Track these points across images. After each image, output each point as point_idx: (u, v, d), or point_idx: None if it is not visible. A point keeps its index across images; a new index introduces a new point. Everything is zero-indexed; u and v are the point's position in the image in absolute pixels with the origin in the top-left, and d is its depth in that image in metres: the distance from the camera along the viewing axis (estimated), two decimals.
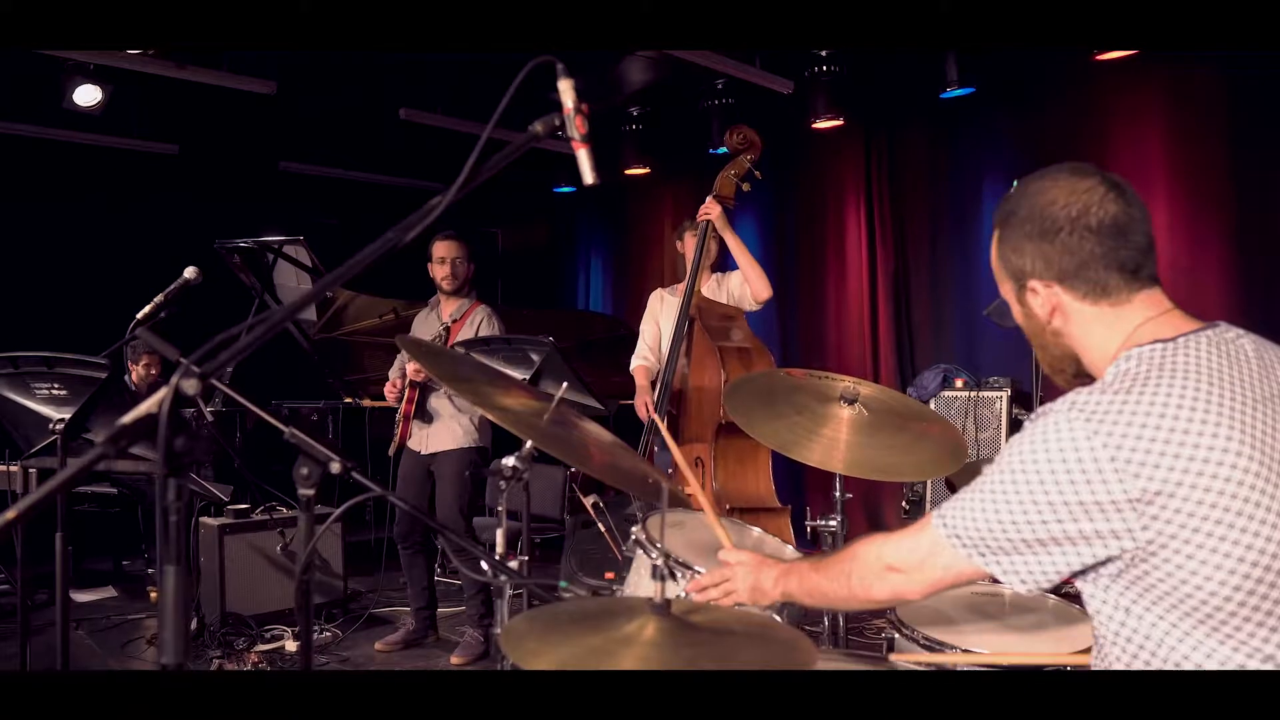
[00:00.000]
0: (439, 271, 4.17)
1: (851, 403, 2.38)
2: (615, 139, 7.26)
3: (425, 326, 4.28)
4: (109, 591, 5.36)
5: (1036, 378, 4.80)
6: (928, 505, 5.16)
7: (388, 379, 4.24)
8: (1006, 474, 1.30)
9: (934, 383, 5.15)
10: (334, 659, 4.20)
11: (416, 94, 6.48)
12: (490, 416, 1.50)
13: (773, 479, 3.55)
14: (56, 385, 2.53)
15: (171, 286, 3.08)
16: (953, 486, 2.47)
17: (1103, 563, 1.27)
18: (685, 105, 6.74)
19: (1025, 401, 4.76)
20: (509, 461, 1.73)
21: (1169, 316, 1.38)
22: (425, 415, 4.14)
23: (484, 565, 1.71)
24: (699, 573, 1.84)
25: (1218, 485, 1.18)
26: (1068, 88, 5.43)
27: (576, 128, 1.45)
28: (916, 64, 5.83)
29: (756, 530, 2.33)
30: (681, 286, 3.94)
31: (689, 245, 3.96)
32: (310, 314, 6.23)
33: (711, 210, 3.79)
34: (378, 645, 4.29)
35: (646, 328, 4.12)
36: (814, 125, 6.13)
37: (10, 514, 1.10)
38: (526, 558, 1.76)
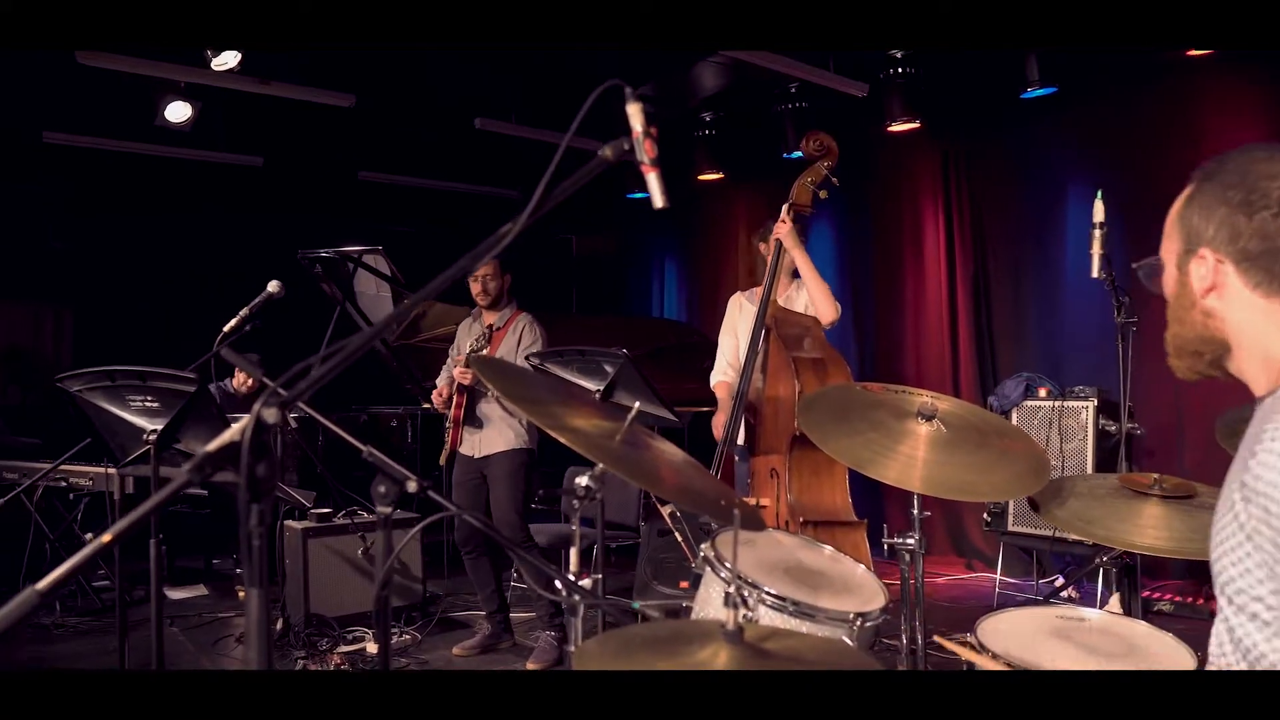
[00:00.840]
0: (473, 288, 4.25)
1: (929, 419, 2.33)
2: (688, 145, 7.25)
3: (469, 334, 4.35)
4: (200, 589, 5.56)
5: (1125, 386, 4.65)
6: (1010, 519, 5.04)
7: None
8: None
9: (1016, 392, 5.02)
10: (414, 661, 4.27)
11: (491, 104, 6.57)
12: (561, 438, 1.51)
13: (849, 491, 3.50)
14: (150, 398, 2.63)
15: (256, 300, 3.18)
16: (1035, 504, 2.40)
17: None
18: (758, 110, 6.70)
19: (1113, 411, 4.60)
20: (582, 480, 1.74)
21: None
22: (475, 420, 4.21)
23: (557, 584, 1.71)
24: (768, 593, 1.82)
25: None
26: (1156, 84, 5.23)
27: (645, 151, 1.45)
28: (995, 64, 5.69)
29: (828, 549, 2.30)
30: (759, 292, 3.90)
31: (769, 249, 3.94)
32: None
33: (780, 229, 3.76)
34: (455, 650, 4.36)
35: (725, 340, 4.10)
36: (889, 129, 6.04)
37: (106, 537, 1.15)
38: (600, 576, 1.77)
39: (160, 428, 2.64)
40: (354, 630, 4.50)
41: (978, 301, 6.18)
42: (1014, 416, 5.00)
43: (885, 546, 2.47)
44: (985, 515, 5.15)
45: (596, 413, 1.79)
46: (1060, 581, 5.02)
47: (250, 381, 5.45)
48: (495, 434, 4.20)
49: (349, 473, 5.08)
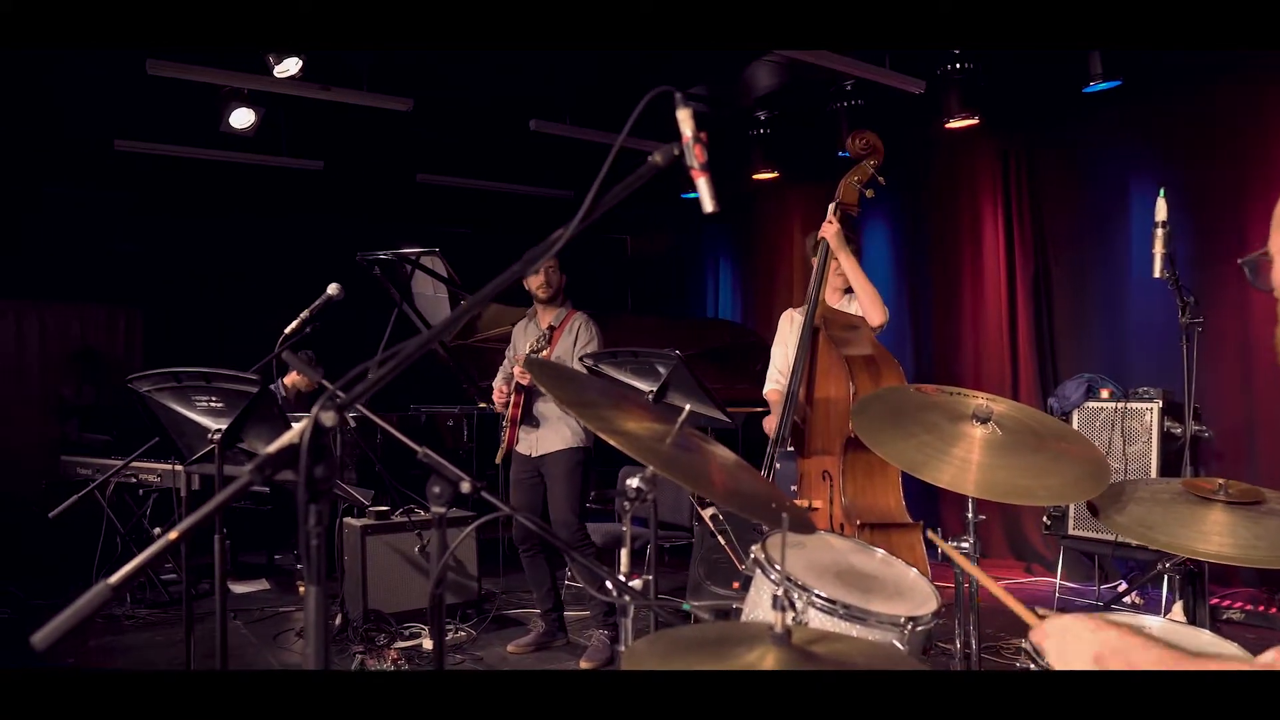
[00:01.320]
0: (534, 281, 4.27)
1: (984, 421, 2.30)
2: (743, 144, 7.22)
3: (526, 335, 4.39)
4: (262, 584, 5.70)
5: (1189, 388, 4.54)
6: (1070, 523, 4.94)
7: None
8: None
9: (1077, 393, 4.92)
10: (469, 658, 4.33)
11: (545, 105, 6.63)
12: (612, 441, 1.52)
13: (903, 493, 3.47)
14: (214, 399, 2.70)
15: (316, 303, 3.25)
16: (1094, 509, 2.35)
17: None
18: (813, 108, 6.65)
19: (1178, 413, 4.49)
20: (633, 483, 1.75)
21: None
22: (531, 419, 4.25)
23: (609, 585, 1.73)
24: (819, 596, 1.82)
25: None
26: (1225, 77, 5.07)
27: (696, 156, 1.46)
28: (1056, 57, 5.58)
29: (880, 552, 2.28)
30: None
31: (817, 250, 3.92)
32: None
33: (827, 229, 3.73)
34: (509, 648, 4.40)
35: (777, 351, 4.09)
36: (947, 125, 5.95)
37: (173, 534, 1.19)
38: (650, 577, 1.78)
39: (224, 427, 2.71)
40: (411, 626, 4.58)
41: (1038, 301, 6.07)
42: (1074, 418, 4.90)
43: (940, 550, 2.44)
44: (1045, 519, 5.06)
45: (648, 415, 1.80)
46: (1123, 587, 4.92)
47: (304, 381, 5.57)
48: (551, 433, 4.24)
49: (406, 471, 5.16)
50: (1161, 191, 2.31)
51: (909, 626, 1.82)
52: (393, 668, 3.92)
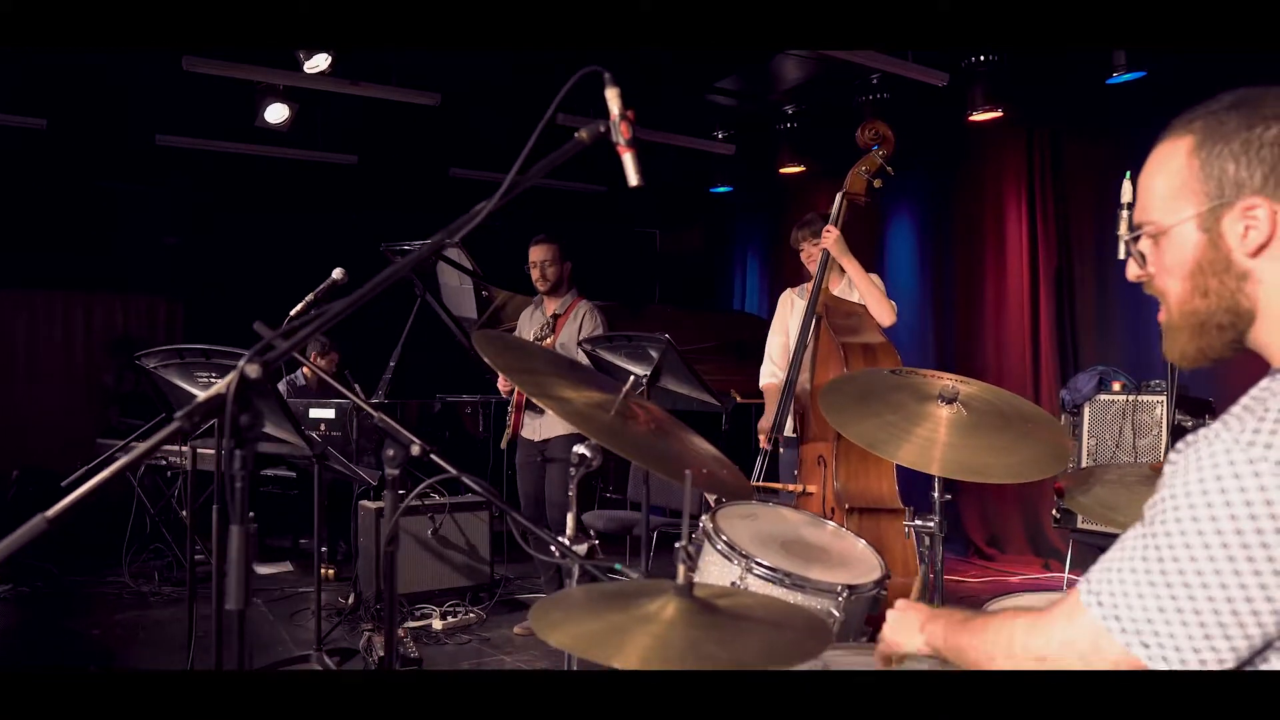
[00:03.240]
0: (532, 274, 4.39)
1: (950, 401, 2.32)
2: (771, 138, 7.24)
3: (531, 322, 4.49)
4: (285, 566, 5.86)
5: (1208, 383, 4.49)
6: (1079, 517, 4.88)
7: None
8: (1174, 530, 1.01)
9: (1088, 385, 4.87)
10: (476, 639, 4.43)
11: (571, 99, 6.69)
12: (546, 406, 1.58)
13: (896, 480, 3.48)
14: (214, 374, 2.82)
15: (320, 287, 3.35)
16: (1060, 492, 2.36)
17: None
18: (840, 102, 6.65)
19: (1190, 407, 4.43)
20: (579, 449, 1.81)
21: None
22: (536, 405, 4.33)
23: (553, 548, 1.80)
24: (757, 562, 1.86)
25: None
26: (1256, 70, 4.99)
27: (621, 133, 1.53)
28: (1080, 49, 5.52)
29: (832, 525, 2.32)
30: (810, 287, 3.92)
31: (809, 255, 3.97)
32: (471, 312, 6.57)
33: (827, 238, 3.79)
34: (516, 629, 4.50)
35: (774, 340, 4.12)
36: (971, 118, 5.91)
37: (86, 488, 1.26)
38: (597, 541, 1.84)
39: None
40: (422, 607, 4.69)
41: (1060, 294, 6.01)
42: (1086, 411, 4.86)
43: (907, 530, 2.46)
44: (1054, 512, 5.01)
45: (597, 388, 1.86)
46: None
47: (326, 369, 5.71)
48: (554, 418, 4.32)
49: (419, 458, 5.28)
50: (1128, 174, 2.30)
51: (846, 595, 1.86)
52: (399, 646, 4.02)
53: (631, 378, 1.79)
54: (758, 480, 3.59)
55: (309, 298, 3.33)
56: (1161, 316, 1.22)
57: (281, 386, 6.09)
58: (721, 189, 8.33)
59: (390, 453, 1.82)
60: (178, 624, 4.66)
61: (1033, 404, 2.49)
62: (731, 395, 6.03)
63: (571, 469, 1.79)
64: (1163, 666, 1.04)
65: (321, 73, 5.87)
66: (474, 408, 5.94)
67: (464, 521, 4.92)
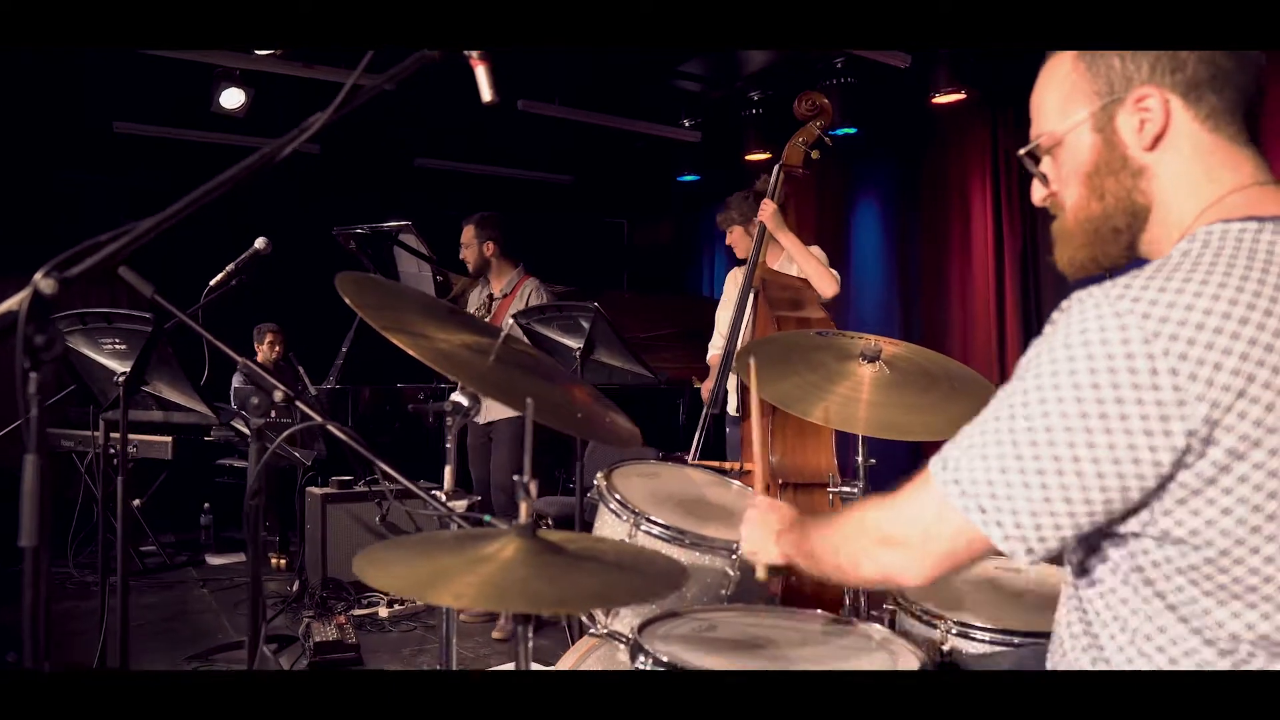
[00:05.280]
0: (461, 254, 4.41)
1: (872, 360, 2.24)
2: (737, 124, 7.14)
3: (475, 298, 4.45)
4: (239, 556, 5.73)
5: None
6: None
7: None
8: (1030, 385, 0.97)
9: None
10: (420, 626, 4.33)
11: (534, 86, 6.60)
12: (413, 352, 1.48)
13: (835, 455, 3.38)
14: (118, 340, 2.71)
15: (242, 256, 3.22)
16: None
17: (1131, 510, 0.96)
18: (805, 85, 6.54)
19: None
20: (455, 397, 1.71)
21: (1271, 190, 1.04)
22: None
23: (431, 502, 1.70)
24: (648, 519, 1.76)
25: None
26: None
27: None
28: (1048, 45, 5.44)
29: (737, 484, 2.25)
30: None
31: (735, 238, 3.90)
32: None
33: (764, 212, 3.71)
34: (462, 616, 4.38)
35: (722, 313, 4.05)
36: (934, 100, 5.84)
37: None
38: (480, 498, 1.74)
39: (129, 369, 2.71)
40: (370, 595, 4.57)
41: (1025, 274, 5.95)
42: None
43: (831, 498, 2.37)
44: None
45: (479, 336, 1.76)
46: None
47: (276, 351, 5.60)
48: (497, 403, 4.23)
49: (373, 441, 5.17)
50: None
51: (740, 551, 1.75)
52: (337, 633, 3.90)
53: (509, 322, 1.68)
54: (694, 458, 3.49)
55: (229, 268, 3.22)
56: (1055, 225, 1.18)
57: (236, 379, 5.98)
58: (689, 178, 8.24)
59: (255, 400, 1.73)
60: (113, 614, 4.55)
61: (963, 365, 2.40)
62: (693, 384, 5.94)
63: (448, 420, 1.68)
64: (996, 534, 0.99)
65: (273, 55, 5.78)
66: (426, 394, 5.83)
67: (413, 508, 4.80)
